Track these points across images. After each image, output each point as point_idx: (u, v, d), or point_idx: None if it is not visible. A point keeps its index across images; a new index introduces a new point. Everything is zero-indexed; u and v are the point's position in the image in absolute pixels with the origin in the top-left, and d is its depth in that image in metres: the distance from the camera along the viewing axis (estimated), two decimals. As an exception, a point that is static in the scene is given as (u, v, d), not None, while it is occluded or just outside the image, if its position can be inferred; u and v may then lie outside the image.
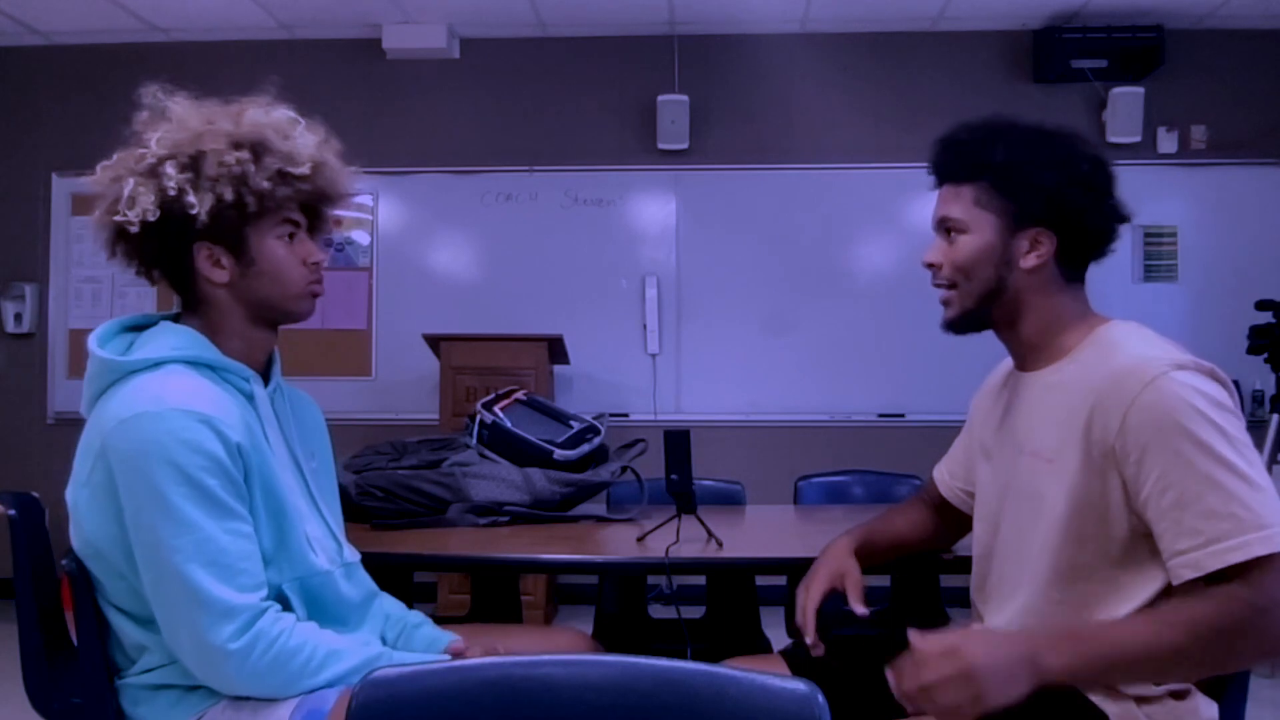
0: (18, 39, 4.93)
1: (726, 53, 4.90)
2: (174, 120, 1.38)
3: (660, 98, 4.79)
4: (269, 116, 1.41)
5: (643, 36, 4.91)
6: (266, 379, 1.46)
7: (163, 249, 1.38)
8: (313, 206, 1.46)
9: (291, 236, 1.42)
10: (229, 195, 1.34)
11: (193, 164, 1.34)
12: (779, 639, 2.34)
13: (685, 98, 4.80)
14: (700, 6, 4.62)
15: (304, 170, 1.39)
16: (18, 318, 4.93)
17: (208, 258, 1.38)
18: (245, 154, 1.35)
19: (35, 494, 1.69)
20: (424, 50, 4.84)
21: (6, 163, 5.02)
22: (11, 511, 1.62)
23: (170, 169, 1.33)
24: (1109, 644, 1.17)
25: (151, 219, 1.33)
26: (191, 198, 1.32)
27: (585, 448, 2.30)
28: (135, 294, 4.95)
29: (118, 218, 1.34)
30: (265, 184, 1.36)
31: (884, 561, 1.67)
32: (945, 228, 1.43)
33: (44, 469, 4.56)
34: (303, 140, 1.42)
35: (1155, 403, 1.21)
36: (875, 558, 1.63)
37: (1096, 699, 1.26)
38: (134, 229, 1.34)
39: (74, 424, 1.40)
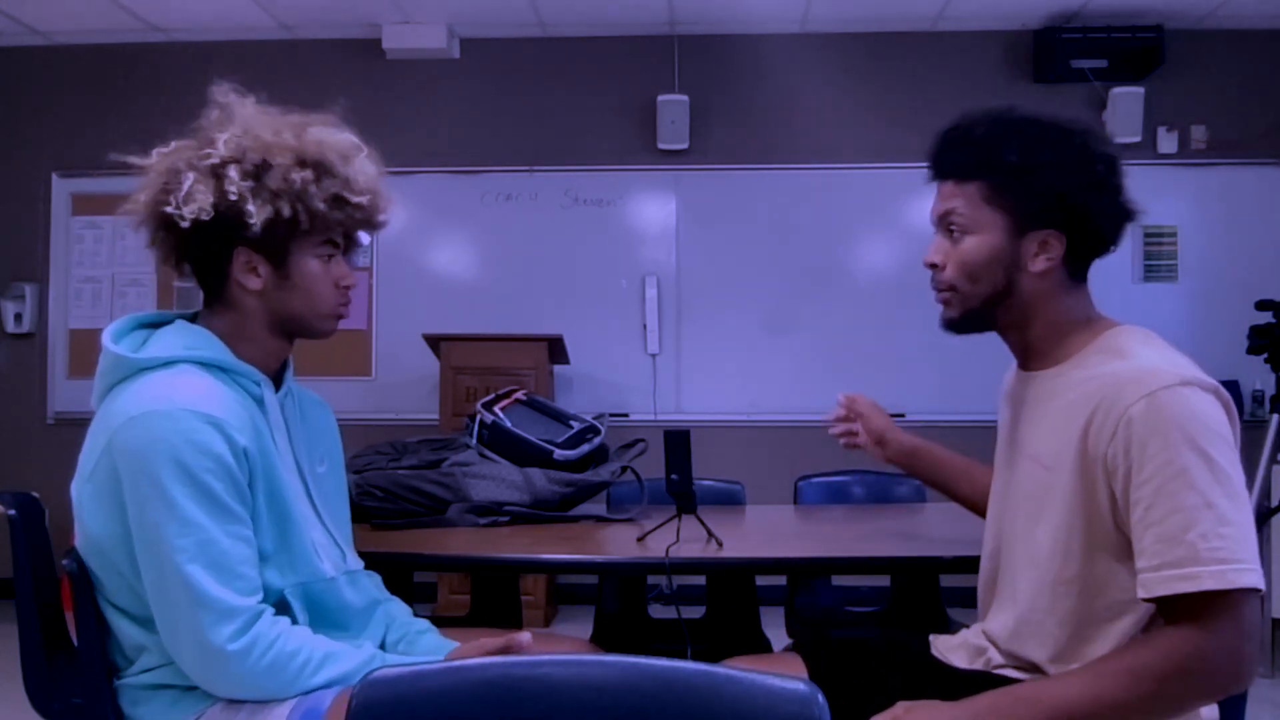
0: (18, 39, 4.93)
1: (726, 53, 4.90)
2: (242, 125, 1.38)
3: (660, 98, 4.80)
4: (334, 138, 1.42)
5: (643, 36, 4.91)
6: (279, 383, 1.46)
7: (204, 248, 1.39)
8: (353, 231, 1.47)
9: (329, 257, 1.43)
10: (286, 210, 1.34)
11: (257, 173, 1.34)
12: (779, 639, 2.33)
13: (685, 98, 4.80)
14: (700, 6, 4.62)
15: (361, 200, 1.41)
16: (18, 318, 4.93)
17: (245, 264, 1.38)
18: (309, 173, 1.36)
19: (35, 494, 1.69)
20: (424, 50, 4.84)
21: (6, 163, 5.02)
22: (11, 511, 1.62)
23: (233, 173, 1.33)
24: (1051, 703, 1.17)
25: (205, 218, 1.33)
26: (250, 206, 1.32)
27: (585, 448, 2.29)
28: (135, 294, 4.95)
29: (169, 209, 1.34)
30: (321, 205, 1.36)
31: (925, 479, 1.78)
32: (948, 225, 1.38)
33: (44, 469, 4.53)
34: (363, 167, 1.42)
35: (1147, 416, 1.18)
36: (931, 470, 1.75)
37: None
38: (184, 224, 1.33)
39: (74, 424, 1.40)
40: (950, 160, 1.38)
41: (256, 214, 1.33)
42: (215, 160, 1.34)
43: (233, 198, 1.32)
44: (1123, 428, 1.20)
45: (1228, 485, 1.17)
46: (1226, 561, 1.13)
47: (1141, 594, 1.18)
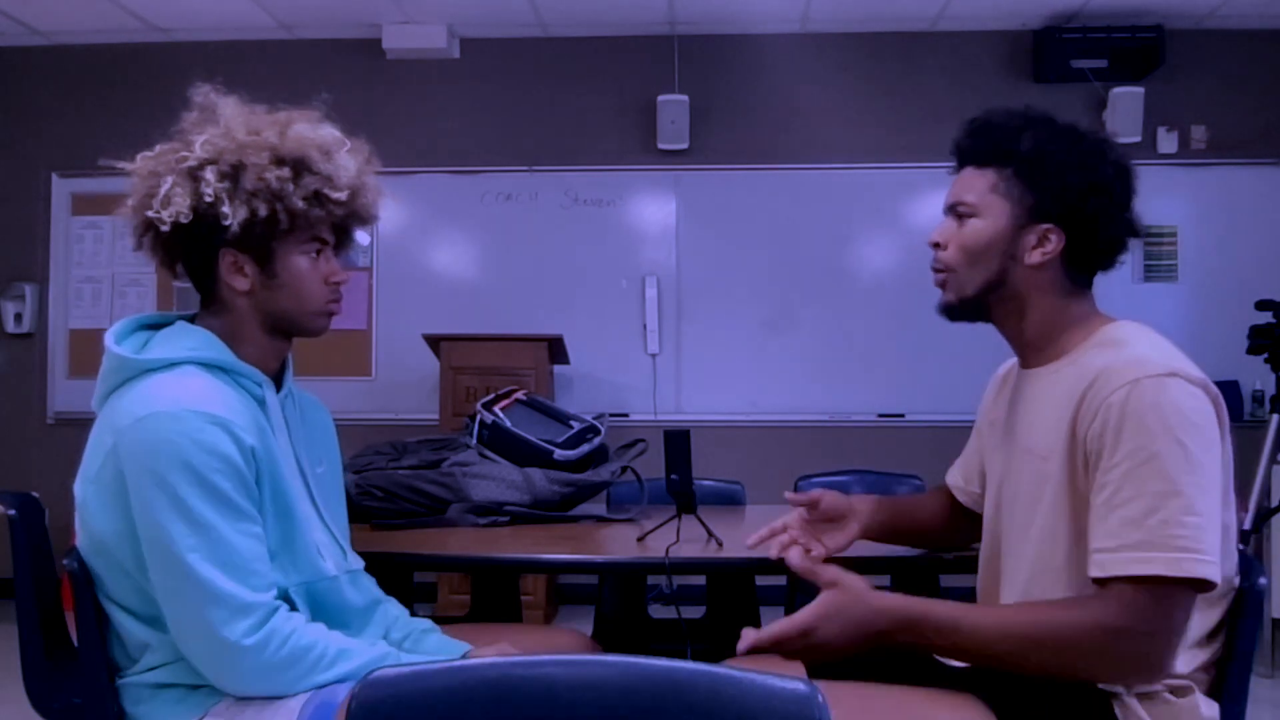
0: (18, 39, 4.93)
1: (726, 53, 4.90)
2: (221, 125, 1.38)
3: (660, 98, 4.79)
4: (315, 134, 1.41)
5: (643, 36, 4.91)
6: (279, 384, 1.46)
7: (189, 250, 1.39)
8: (342, 227, 1.46)
9: (318, 253, 1.43)
10: (263, 210, 1.34)
11: (233, 174, 1.34)
12: (779, 639, 2.33)
13: (685, 98, 4.80)
14: (700, 6, 4.62)
15: (342, 195, 1.39)
16: (18, 318, 4.93)
17: (232, 265, 1.38)
18: (286, 171, 1.35)
19: (35, 494, 1.69)
20: (424, 50, 4.84)
21: (6, 163, 5.02)
22: (11, 511, 1.62)
23: (210, 175, 1.33)
24: (956, 634, 1.23)
25: (184, 220, 1.33)
26: (226, 207, 1.32)
27: (585, 448, 2.30)
28: (135, 294, 4.95)
29: (150, 213, 1.34)
30: (300, 203, 1.36)
31: (898, 541, 1.69)
32: (957, 212, 1.42)
33: (44, 469, 4.56)
34: (345, 163, 1.41)
35: (1127, 403, 1.20)
36: (894, 531, 1.66)
37: (1104, 687, 1.25)
38: (165, 227, 1.34)
39: (74, 424, 1.40)
40: (970, 146, 1.42)
41: (233, 215, 1.32)
42: (192, 163, 1.34)
43: (209, 199, 1.32)
44: (1103, 412, 1.22)
45: (1199, 475, 1.18)
46: (1185, 550, 1.15)
47: (1095, 573, 1.20)
